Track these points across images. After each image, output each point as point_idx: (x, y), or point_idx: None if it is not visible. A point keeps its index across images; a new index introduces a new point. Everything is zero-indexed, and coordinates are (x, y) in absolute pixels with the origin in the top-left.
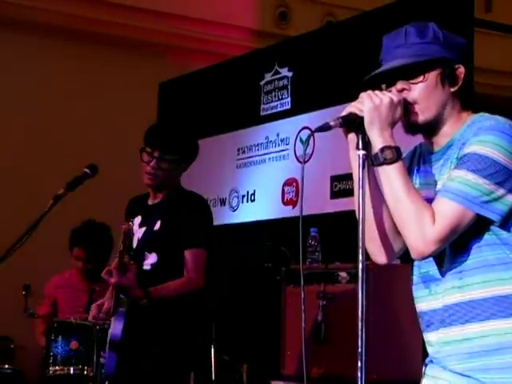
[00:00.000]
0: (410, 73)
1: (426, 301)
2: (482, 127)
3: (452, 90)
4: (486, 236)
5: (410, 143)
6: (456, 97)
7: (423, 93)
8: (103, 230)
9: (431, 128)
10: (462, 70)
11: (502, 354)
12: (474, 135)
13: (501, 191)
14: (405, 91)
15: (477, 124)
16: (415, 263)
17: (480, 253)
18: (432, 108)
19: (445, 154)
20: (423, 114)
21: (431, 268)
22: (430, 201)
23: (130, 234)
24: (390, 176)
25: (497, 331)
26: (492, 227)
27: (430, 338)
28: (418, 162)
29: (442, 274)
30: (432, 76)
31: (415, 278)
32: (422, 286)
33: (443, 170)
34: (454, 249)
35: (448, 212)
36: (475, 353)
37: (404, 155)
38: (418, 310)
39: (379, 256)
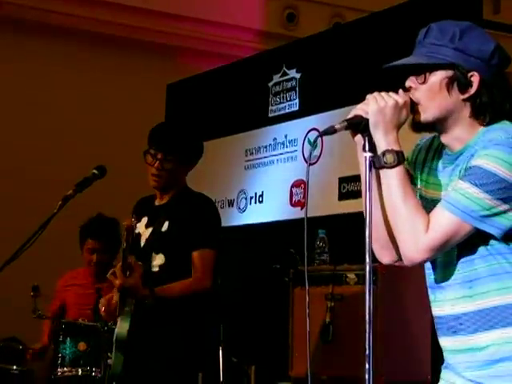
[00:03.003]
0: (418, 72)
1: (434, 306)
2: (492, 140)
3: (462, 96)
4: (497, 245)
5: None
6: (468, 104)
7: (424, 94)
8: (113, 222)
9: (435, 129)
10: (476, 77)
11: (508, 361)
12: (484, 148)
13: (503, 207)
14: (412, 89)
15: (490, 134)
16: (426, 267)
17: (490, 261)
18: (433, 110)
19: (457, 160)
20: (424, 115)
21: (437, 276)
22: (437, 201)
23: (132, 230)
24: (390, 180)
25: (508, 339)
26: (502, 238)
27: (443, 343)
28: (433, 157)
29: (449, 283)
30: (435, 79)
31: (427, 281)
32: (430, 291)
33: (453, 176)
34: (462, 258)
35: (443, 222)
36: (487, 360)
37: (422, 143)
38: (432, 313)
39: (384, 256)
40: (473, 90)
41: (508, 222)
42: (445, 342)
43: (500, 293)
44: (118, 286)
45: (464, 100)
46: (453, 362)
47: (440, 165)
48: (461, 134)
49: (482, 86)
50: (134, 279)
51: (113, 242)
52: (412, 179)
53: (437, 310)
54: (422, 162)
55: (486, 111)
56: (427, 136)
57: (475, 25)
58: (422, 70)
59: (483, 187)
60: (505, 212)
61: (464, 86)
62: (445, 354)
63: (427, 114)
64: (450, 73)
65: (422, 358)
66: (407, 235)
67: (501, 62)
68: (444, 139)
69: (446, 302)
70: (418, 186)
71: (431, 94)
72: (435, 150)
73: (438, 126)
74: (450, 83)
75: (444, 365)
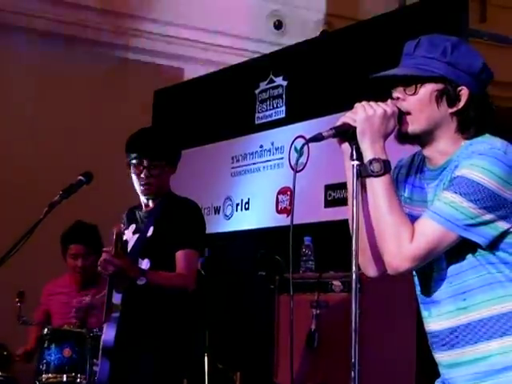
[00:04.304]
0: (407, 83)
1: (429, 322)
2: (475, 151)
3: (450, 110)
4: (486, 255)
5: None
6: (455, 118)
7: (413, 105)
8: (94, 227)
9: (420, 141)
10: (464, 92)
11: (509, 371)
12: (467, 158)
13: (488, 216)
14: (400, 100)
15: (473, 146)
16: (415, 281)
17: (480, 272)
18: (421, 122)
19: (440, 175)
20: (412, 126)
21: (430, 291)
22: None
23: (121, 236)
24: (375, 189)
25: (504, 349)
26: (489, 248)
27: (438, 358)
28: (415, 173)
29: (443, 297)
30: (425, 91)
31: (419, 298)
32: (423, 308)
33: (437, 191)
34: (453, 270)
35: (428, 231)
36: (488, 371)
37: (403, 161)
38: (426, 328)
39: (369, 269)
40: (461, 105)
41: (493, 231)
42: (441, 357)
43: (493, 303)
44: (109, 260)
45: (451, 114)
46: (451, 376)
47: (423, 183)
48: (444, 148)
49: (471, 100)
50: (124, 259)
51: (95, 246)
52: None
53: (432, 326)
54: (404, 181)
55: (471, 125)
56: (405, 157)
57: (464, 40)
58: (413, 82)
59: (468, 196)
60: (490, 221)
61: (453, 99)
62: (441, 370)
63: (415, 125)
64: (440, 86)
65: (406, 367)
66: (392, 244)
67: (487, 78)
68: (427, 152)
69: (441, 316)
70: (404, 204)
71: (420, 105)
72: (416, 168)
73: (424, 138)
74: (439, 96)
75: (440, 380)
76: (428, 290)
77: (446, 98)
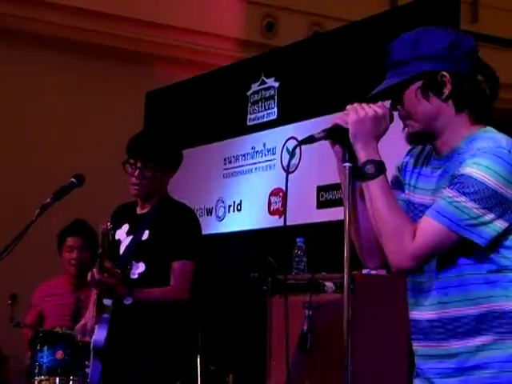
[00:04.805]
0: (396, 92)
1: (413, 310)
2: (480, 148)
3: (441, 98)
4: (474, 254)
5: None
6: (451, 102)
7: (408, 109)
8: (90, 225)
9: (427, 138)
10: (446, 75)
11: (482, 369)
12: (472, 156)
13: (489, 216)
14: (399, 107)
15: (477, 142)
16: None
17: (465, 270)
18: (419, 121)
19: (445, 164)
20: (413, 127)
21: (422, 279)
22: (424, 206)
23: (108, 234)
24: (372, 191)
25: (477, 348)
26: (481, 248)
27: (415, 347)
28: (422, 163)
29: (430, 288)
30: (410, 93)
31: (408, 284)
32: (411, 295)
33: (441, 181)
34: (442, 264)
35: (430, 230)
36: (458, 368)
37: (413, 150)
38: (409, 316)
39: (369, 261)
40: (448, 89)
41: (493, 231)
42: (418, 346)
43: (469, 303)
44: (96, 279)
45: (444, 100)
46: (424, 367)
47: (429, 171)
48: (449, 137)
49: (454, 79)
50: (112, 278)
51: (91, 240)
52: (401, 185)
53: (416, 314)
54: (411, 169)
55: (467, 100)
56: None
57: (427, 27)
58: (398, 91)
59: (470, 196)
60: (491, 221)
61: (439, 88)
62: (416, 360)
63: (415, 125)
64: (420, 82)
65: (398, 367)
66: (394, 243)
67: (463, 50)
68: (435, 144)
69: (425, 306)
70: (406, 192)
71: (413, 107)
72: (425, 156)
73: (429, 134)
74: (424, 91)
75: (415, 371)
76: (420, 280)
77: (431, 89)
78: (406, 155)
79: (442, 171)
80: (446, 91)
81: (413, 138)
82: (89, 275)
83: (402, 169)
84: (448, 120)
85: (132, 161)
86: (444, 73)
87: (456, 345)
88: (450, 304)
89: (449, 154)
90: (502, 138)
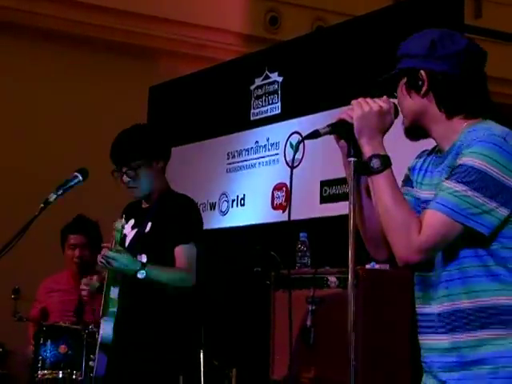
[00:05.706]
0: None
1: (421, 303)
2: (476, 138)
3: (421, 94)
4: (475, 246)
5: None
6: (432, 99)
7: (398, 104)
8: (94, 221)
9: (419, 133)
10: (423, 73)
11: (481, 364)
12: (468, 146)
13: (491, 204)
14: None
15: (474, 133)
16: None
17: (466, 263)
18: (407, 116)
19: (445, 159)
20: (404, 123)
21: (430, 272)
22: (428, 202)
23: (121, 230)
24: (378, 185)
25: (477, 342)
26: (482, 238)
27: (422, 341)
28: (429, 161)
29: (437, 281)
30: (400, 87)
31: (415, 278)
32: (418, 288)
33: (443, 175)
34: (445, 257)
35: (435, 222)
36: (457, 362)
37: (426, 151)
38: (416, 310)
39: (378, 254)
40: (425, 87)
41: (496, 220)
42: (423, 339)
43: (468, 296)
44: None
45: (424, 97)
46: (428, 360)
47: (433, 168)
48: (443, 133)
49: (431, 78)
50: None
51: (94, 238)
52: (412, 183)
53: (423, 308)
54: (420, 166)
55: (447, 98)
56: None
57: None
58: (390, 88)
59: (470, 185)
60: (492, 210)
61: (418, 86)
62: (422, 352)
63: (405, 121)
64: (404, 80)
65: (401, 362)
66: (400, 237)
67: (447, 51)
68: (435, 141)
69: (433, 300)
70: (415, 189)
71: (400, 103)
72: (432, 155)
73: (418, 129)
74: (408, 88)
75: (423, 367)
76: (426, 273)
77: (412, 86)
78: (417, 156)
79: (443, 165)
80: (423, 89)
81: (406, 134)
82: (99, 262)
83: (411, 168)
84: (433, 116)
85: (116, 168)
86: (422, 70)
87: (457, 338)
88: (451, 297)
89: (449, 149)
90: (497, 127)
